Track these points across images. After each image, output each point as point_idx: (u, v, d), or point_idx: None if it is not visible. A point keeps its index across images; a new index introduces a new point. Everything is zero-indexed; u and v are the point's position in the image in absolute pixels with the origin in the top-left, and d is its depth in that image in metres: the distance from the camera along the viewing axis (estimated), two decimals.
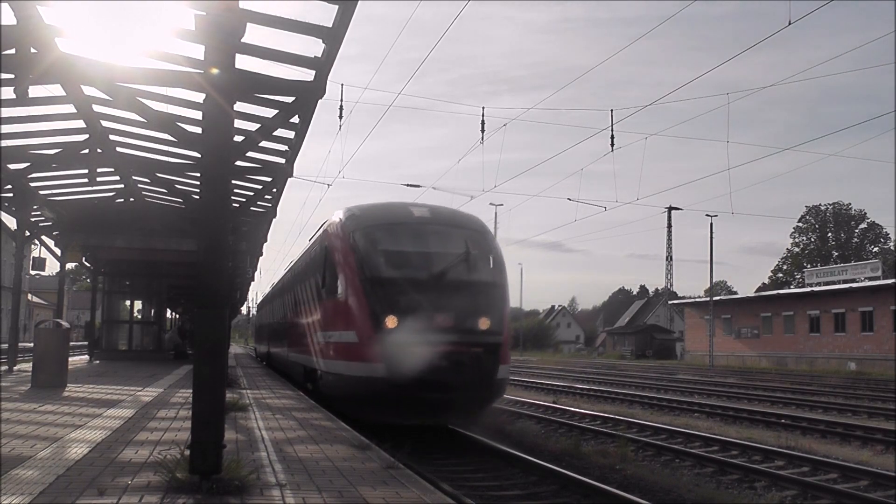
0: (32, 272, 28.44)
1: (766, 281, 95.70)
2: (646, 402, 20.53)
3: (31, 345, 16.29)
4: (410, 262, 11.62)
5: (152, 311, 27.70)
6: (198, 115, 10.94)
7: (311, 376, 13.93)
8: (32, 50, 8.45)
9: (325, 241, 13.16)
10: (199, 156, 12.00)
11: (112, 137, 13.39)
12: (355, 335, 10.99)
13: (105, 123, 12.64)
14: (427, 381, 10.29)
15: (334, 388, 11.86)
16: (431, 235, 12.19)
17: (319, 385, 12.83)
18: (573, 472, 9.20)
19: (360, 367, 10.80)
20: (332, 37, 8.33)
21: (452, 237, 12.22)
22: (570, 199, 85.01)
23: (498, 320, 11.37)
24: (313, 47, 8.80)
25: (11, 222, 18.98)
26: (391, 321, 10.61)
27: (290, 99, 9.58)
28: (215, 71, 5.44)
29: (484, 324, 11.13)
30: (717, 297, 62.01)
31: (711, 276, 57.08)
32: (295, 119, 10.89)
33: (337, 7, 7.83)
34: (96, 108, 11.71)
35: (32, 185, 16.27)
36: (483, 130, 22.60)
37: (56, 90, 10.84)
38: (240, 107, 9.85)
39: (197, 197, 13.95)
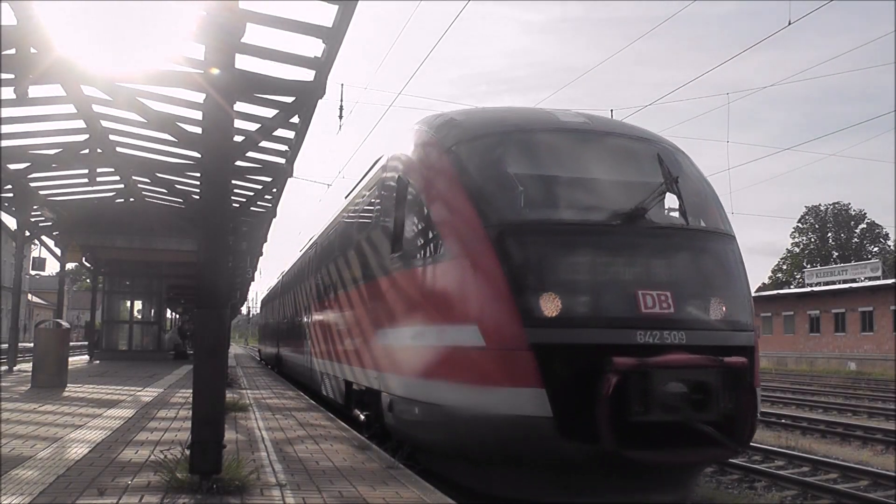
0: (32, 272, 28.49)
1: (766, 281, 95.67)
2: None
3: (31, 345, 16.30)
4: (575, 195, 6.79)
5: (152, 311, 27.66)
6: (198, 115, 10.93)
7: (366, 399, 8.96)
8: (32, 50, 8.44)
9: (397, 169, 7.96)
10: (199, 156, 12.01)
11: (112, 137, 13.39)
12: (477, 332, 5.93)
13: (105, 123, 12.64)
14: (639, 424, 5.59)
15: (428, 429, 6.70)
16: (604, 151, 7.18)
17: (388, 419, 7.65)
18: None
19: (488, 395, 5.83)
20: (332, 37, 8.33)
21: (639, 155, 7.29)
22: None
23: (744, 302, 6.60)
24: (313, 47, 8.80)
25: (11, 222, 19.00)
26: (550, 305, 5.79)
27: (290, 99, 9.59)
28: (215, 71, 5.43)
29: (724, 310, 6.30)
30: None
31: None
32: (295, 119, 10.88)
33: (337, 7, 7.83)
34: (96, 108, 11.70)
35: (32, 185, 16.26)
36: None
37: (56, 90, 10.83)
38: (240, 107, 9.86)
39: (197, 197, 13.98)
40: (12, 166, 14.22)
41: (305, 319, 15.76)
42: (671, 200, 6.63)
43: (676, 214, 6.74)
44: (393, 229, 7.75)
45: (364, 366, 8.80)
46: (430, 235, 6.83)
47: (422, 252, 6.99)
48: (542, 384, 5.60)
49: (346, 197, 12.36)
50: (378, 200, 8.77)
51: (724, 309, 6.30)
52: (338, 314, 11.05)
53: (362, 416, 9.08)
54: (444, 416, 6.28)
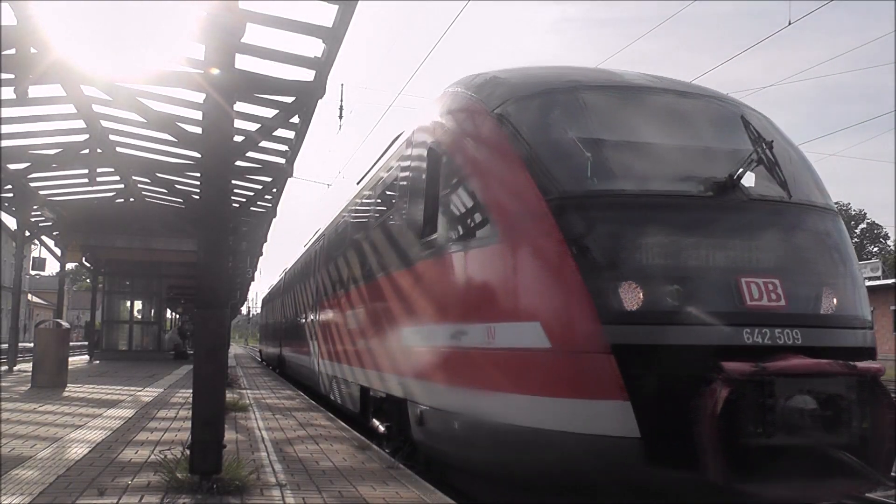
0: (32, 272, 28.49)
1: None
2: None
3: (31, 345, 16.30)
4: (653, 162, 5.56)
5: (152, 311, 27.68)
6: (198, 115, 10.94)
7: (386, 408, 7.93)
8: (32, 50, 8.45)
9: (427, 141, 6.86)
10: (199, 156, 12.01)
11: (112, 137, 13.40)
12: (540, 331, 4.83)
13: (105, 123, 12.65)
14: (750, 448, 4.43)
15: (470, 447, 5.67)
16: (681, 113, 6.06)
17: (417, 433, 6.63)
18: None
19: (555, 409, 4.73)
20: (332, 37, 8.34)
21: (721, 117, 6.15)
22: None
23: (861, 293, 5.51)
24: (313, 47, 8.81)
25: (11, 222, 19.03)
26: (632, 296, 4.68)
27: (290, 99, 9.59)
28: (215, 71, 5.43)
29: (839, 302, 5.17)
30: None
31: None
32: (295, 119, 10.89)
33: (337, 7, 7.84)
34: (96, 108, 11.71)
35: (32, 185, 16.28)
36: None
37: (56, 90, 10.84)
38: (240, 107, 9.87)
39: (197, 197, 13.97)
40: (12, 166, 14.24)
41: (312, 318, 14.38)
42: (765, 169, 5.56)
43: (773, 185, 5.50)
44: (424, 210, 6.59)
45: (385, 369, 7.65)
46: (475, 214, 5.70)
47: (463, 234, 5.86)
48: (627, 396, 4.44)
49: (357, 183, 11.28)
50: (403, 179, 7.59)
51: (839, 301, 5.14)
52: (352, 311, 9.78)
53: (382, 428, 7.99)
54: (494, 434, 5.14)
